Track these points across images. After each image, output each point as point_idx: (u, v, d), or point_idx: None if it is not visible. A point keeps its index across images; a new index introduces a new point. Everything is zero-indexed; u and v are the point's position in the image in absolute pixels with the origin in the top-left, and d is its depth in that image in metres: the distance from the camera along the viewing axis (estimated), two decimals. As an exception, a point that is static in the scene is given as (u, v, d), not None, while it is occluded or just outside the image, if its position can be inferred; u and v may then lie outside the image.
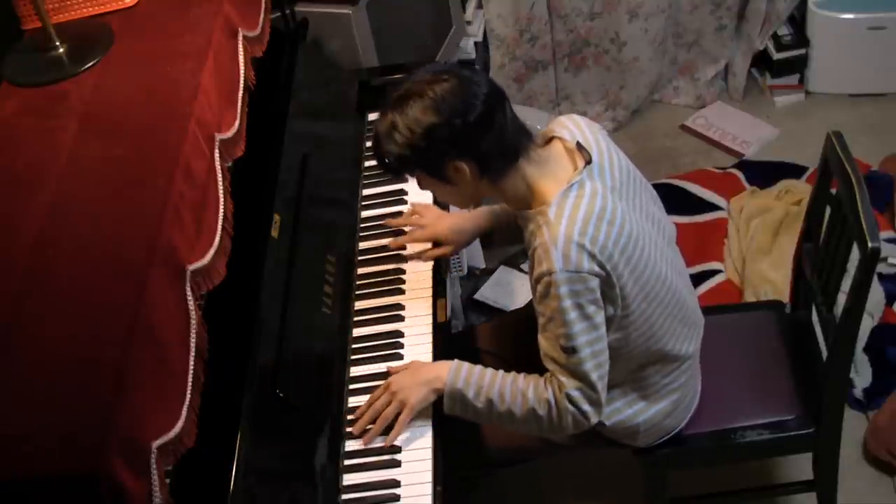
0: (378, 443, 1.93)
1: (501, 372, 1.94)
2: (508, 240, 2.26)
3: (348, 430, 1.96)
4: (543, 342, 1.84)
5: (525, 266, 3.17)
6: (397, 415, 1.94)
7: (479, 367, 1.95)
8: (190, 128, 1.78)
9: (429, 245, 2.23)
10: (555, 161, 1.86)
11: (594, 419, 1.89)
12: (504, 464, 2.33)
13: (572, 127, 1.91)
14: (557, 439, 2.13)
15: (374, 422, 1.94)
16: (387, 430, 1.94)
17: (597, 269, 1.77)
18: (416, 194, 2.35)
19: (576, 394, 1.84)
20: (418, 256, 2.22)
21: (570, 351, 1.81)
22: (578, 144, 1.87)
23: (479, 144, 1.79)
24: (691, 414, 2.15)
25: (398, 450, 1.92)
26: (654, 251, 1.89)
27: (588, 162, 1.84)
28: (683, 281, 2.04)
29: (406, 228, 2.26)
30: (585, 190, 1.80)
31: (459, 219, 2.22)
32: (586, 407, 1.86)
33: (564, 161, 1.86)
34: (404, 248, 2.24)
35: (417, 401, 1.93)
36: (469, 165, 1.80)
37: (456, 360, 1.97)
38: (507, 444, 2.19)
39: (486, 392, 1.91)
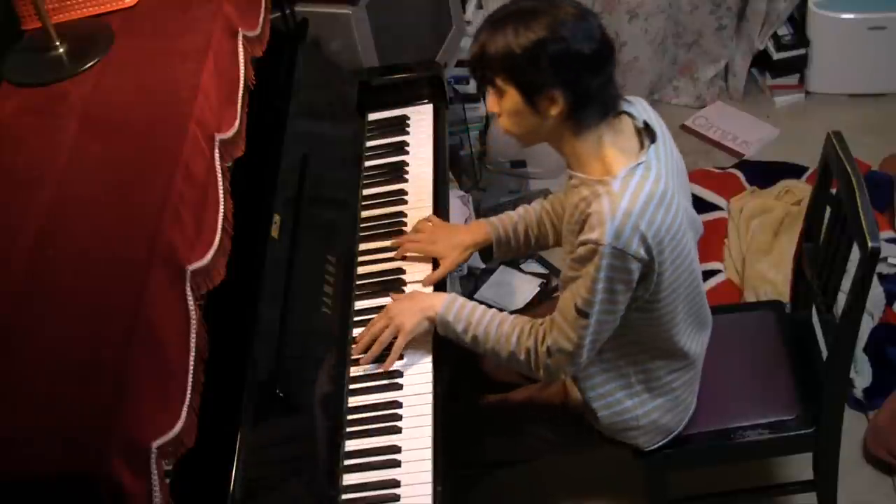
0: (376, 369, 2.02)
1: (492, 311, 2.01)
2: (507, 254, 2.25)
3: (348, 430, 1.96)
4: (566, 294, 1.86)
5: (525, 265, 3.17)
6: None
7: (472, 304, 2.02)
8: (190, 128, 1.78)
9: (429, 265, 2.22)
10: (626, 135, 1.84)
11: (568, 375, 1.98)
12: (503, 464, 2.33)
13: (640, 108, 1.91)
14: (559, 438, 2.14)
15: (372, 348, 2.03)
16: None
17: (643, 253, 1.77)
18: (416, 195, 2.36)
19: (558, 353, 1.89)
20: (421, 272, 2.20)
21: (582, 314, 1.83)
22: (646, 124, 1.86)
23: (588, 82, 1.76)
24: (689, 415, 2.15)
25: (398, 450, 1.92)
26: (689, 246, 1.90)
27: (652, 142, 1.83)
28: (701, 282, 2.05)
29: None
30: (651, 171, 1.79)
31: (457, 235, 2.21)
32: (565, 366, 1.92)
33: (633, 137, 1.85)
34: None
35: (412, 326, 2.01)
36: (566, 102, 1.76)
37: (452, 293, 2.06)
38: (507, 444, 2.19)
39: (472, 329, 1.99)
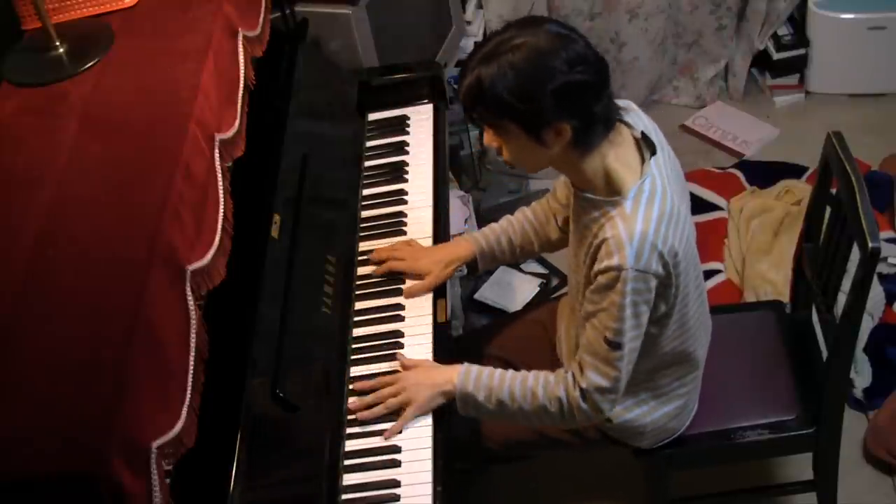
0: (376, 433, 1.93)
1: (510, 372, 1.95)
2: (492, 265, 2.23)
3: (348, 430, 1.96)
4: (590, 331, 1.83)
5: (525, 265, 3.17)
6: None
7: (487, 370, 1.96)
8: (190, 128, 1.78)
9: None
10: (625, 146, 1.81)
11: (607, 414, 1.91)
12: (503, 459, 2.33)
13: (634, 116, 1.87)
14: (560, 435, 2.14)
15: (375, 406, 1.95)
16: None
17: (661, 270, 1.76)
18: (416, 195, 2.36)
19: (596, 392, 1.85)
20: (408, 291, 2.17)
21: (615, 346, 1.81)
22: (643, 135, 1.83)
23: (593, 109, 1.72)
24: (692, 418, 2.15)
25: (398, 450, 1.92)
26: (696, 253, 1.90)
27: (652, 153, 1.81)
28: (704, 286, 2.05)
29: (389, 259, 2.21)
30: (657, 186, 1.78)
31: (439, 252, 2.19)
32: (604, 404, 1.88)
33: (632, 148, 1.82)
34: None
35: (425, 400, 1.93)
36: (572, 131, 1.72)
37: (465, 364, 1.98)
38: (506, 438, 2.19)
39: (496, 394, 1.93)
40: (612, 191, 1.79)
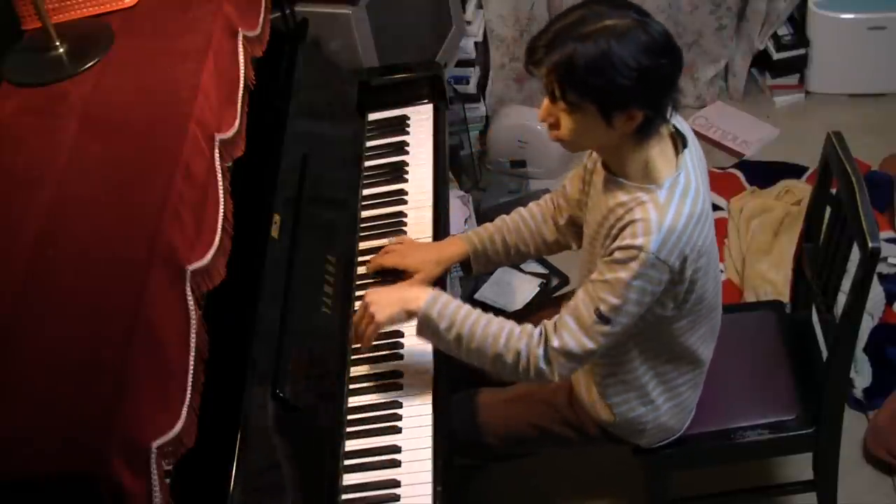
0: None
1: (478, 311, 1.93)
2: (487, 266, 2.22)
3: (348, 430, 1.96)
4: (583, 296, 1.82)
5: (525, 266, 3.17)
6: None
7: (456, 302, 1.94)
8: (190, 128, 1.78)
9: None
10: (666, 139, 1.81)
11: (557, 379, 1.89)
12: (503, 456, 2.33)
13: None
14: (561, 431, 2.14)
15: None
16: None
17: (677, 266, 1.77)
18: (416, 195, 2.36)
19: (562, 355, 1.85)
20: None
21: (604, 320, 1.80)
22: (676, 129, 1.83)
23: (664, 99, 1.73)
24: (691, 417, 2.15)
25: (398, 449, 1.92)
26: (716, 251, 1.91)
27: (685, 146, 1.82)
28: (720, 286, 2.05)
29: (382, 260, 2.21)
30: (691, 182, 1.78)
31: (429, 251, 2.18)
32: (562, 370, 1.86)
33: (669, 141, 1.82)
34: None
35: (386, 317, 1.94)
36: (644, 118, 1.71)
37: (437, 289, 1.99)
38: (506, 435, 2.19)
39: (457, 328, 1.91)
40: (647, 179, 1.79)
